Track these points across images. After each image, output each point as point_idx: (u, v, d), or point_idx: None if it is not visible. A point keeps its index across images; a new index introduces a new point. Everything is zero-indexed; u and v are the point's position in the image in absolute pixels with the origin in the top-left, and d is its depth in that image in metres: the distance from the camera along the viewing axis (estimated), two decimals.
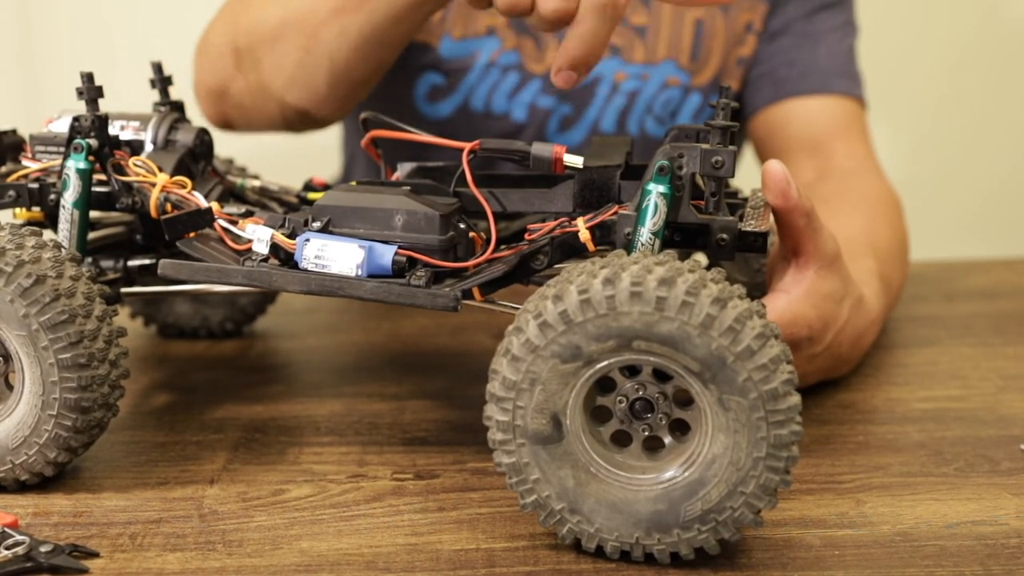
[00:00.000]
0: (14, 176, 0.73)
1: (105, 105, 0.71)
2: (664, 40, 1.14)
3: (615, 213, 0.62)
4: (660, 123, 1.15)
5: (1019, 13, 1.84)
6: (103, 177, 0.71)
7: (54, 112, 0.76)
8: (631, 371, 0.57)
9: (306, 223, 0.66)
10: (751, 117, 1.15)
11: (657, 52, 1.14)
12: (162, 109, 0.78)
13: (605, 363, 0.55)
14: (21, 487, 0.65)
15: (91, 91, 0.70)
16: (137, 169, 0.71)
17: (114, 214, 0.77)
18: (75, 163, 0.69)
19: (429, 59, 1.13)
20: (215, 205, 0.69)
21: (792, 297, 0.72)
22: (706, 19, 1.14)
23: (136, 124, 0.75)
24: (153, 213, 0.69)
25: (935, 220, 1.80)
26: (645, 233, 0.60)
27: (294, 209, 0.77)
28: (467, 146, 0.65)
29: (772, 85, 1.14)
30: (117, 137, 0.72)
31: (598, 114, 1.15)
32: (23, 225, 0.67)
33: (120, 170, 0.71)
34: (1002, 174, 1.83)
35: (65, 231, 0.70)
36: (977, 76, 1.82)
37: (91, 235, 0.77)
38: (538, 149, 0.65)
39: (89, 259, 0.76)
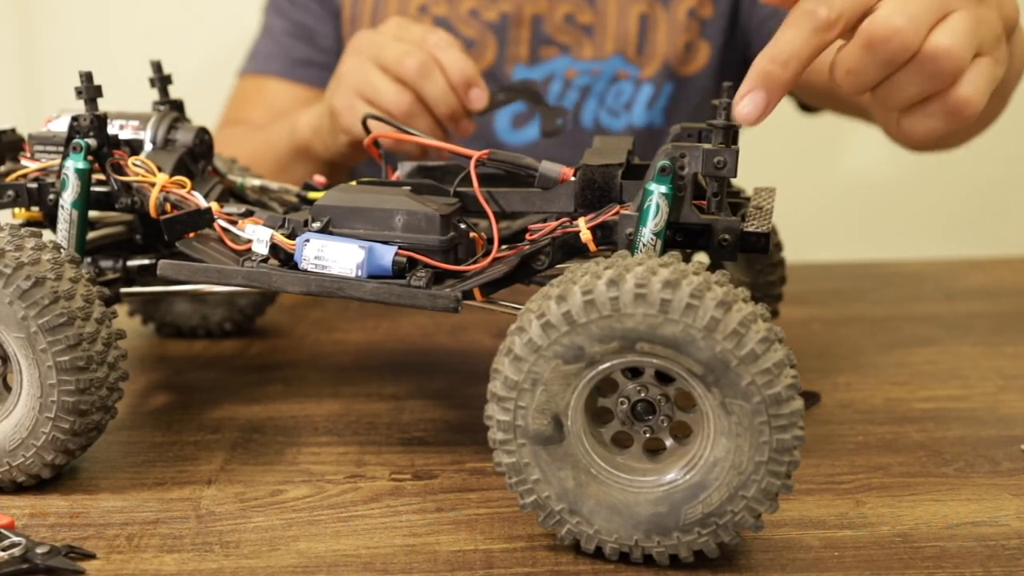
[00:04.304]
0: (13, 176, 0.73)
1: (104, 104, 0.71)
2: (611, 36, 1.18)
3: (616, 213, 0.62)
4: (614, 115, 1.19)
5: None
6: (102, 177, 0.71)
7: (53, 111, 0.76)
8: (633, 372, 0.57)
9: (306, 223, 0.66)
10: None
11: (605, 48, 1.18)
12: (161, 108, 0.78)
13: (608, 364, 0.55)
14: (17, 488, 0.65)
15: (90, 90, 0.70)
16: (136, 169, 0.70)
17: (113, 214, 0.77)
18: (74, 163, 0.69)
19: None
20: (215, 205, 0.68)
21: None
22: (649, 12, 1.18)
23: (135, 123, 0.75)
24: (152, 213, 0.69)
25: (936, 219, 1.80)
26: (647, 234, 0.60)
27: (294, 209, 0.77)
28: (475, 154, 0.65)
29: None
30: (116, 136, 0.72)
31: None
32: (22, 225, 0.67)
33: (119, 170, 0.71)
34: (1003, 172, 1.82)
35: (64, 231, 0.70)
36: None
37: (90, 235, 0.77)
38: (546, 168, 0.65)
39: (88, 259, 0.76)
